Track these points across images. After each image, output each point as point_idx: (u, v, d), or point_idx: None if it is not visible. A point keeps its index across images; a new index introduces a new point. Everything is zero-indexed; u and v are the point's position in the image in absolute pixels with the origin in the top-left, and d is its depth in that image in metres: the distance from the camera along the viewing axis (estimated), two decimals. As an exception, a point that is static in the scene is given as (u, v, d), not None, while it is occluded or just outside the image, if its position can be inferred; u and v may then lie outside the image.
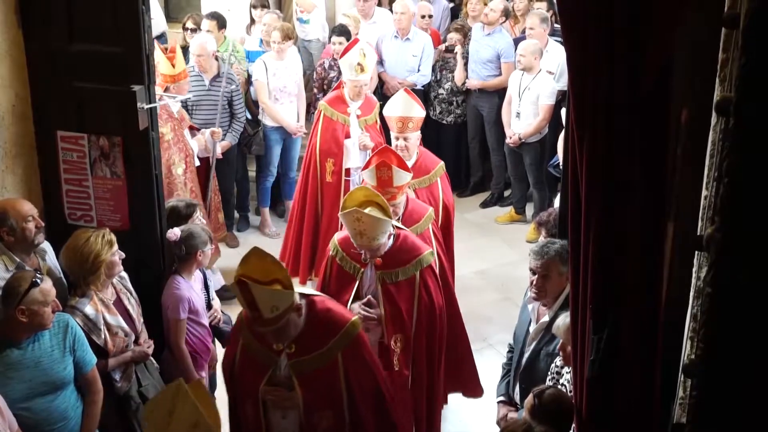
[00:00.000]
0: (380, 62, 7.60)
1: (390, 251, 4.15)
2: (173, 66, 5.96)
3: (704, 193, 2.21)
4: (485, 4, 7.75)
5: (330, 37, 7.59)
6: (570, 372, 3.16)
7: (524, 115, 7.19)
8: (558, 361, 3.46)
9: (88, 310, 3.76)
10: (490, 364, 5.19)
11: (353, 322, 3.54)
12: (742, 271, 1.91)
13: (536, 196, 7.52)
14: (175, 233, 4.22)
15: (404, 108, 5.29)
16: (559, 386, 3.30)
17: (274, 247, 6.61)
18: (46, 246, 3.99)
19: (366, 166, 4.64)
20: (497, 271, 6.80)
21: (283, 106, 7.09)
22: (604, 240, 2.23)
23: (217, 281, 5.20)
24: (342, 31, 7.25)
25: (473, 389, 4.81)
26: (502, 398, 3.99)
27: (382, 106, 5.79)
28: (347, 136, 6.09)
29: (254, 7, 7.78)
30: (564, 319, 3.16)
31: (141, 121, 3.97)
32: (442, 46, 7.90)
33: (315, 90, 7.47)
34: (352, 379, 3.49)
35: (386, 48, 7.67)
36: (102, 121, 4.06)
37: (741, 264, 1.90)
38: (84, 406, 3.69)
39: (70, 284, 3.94)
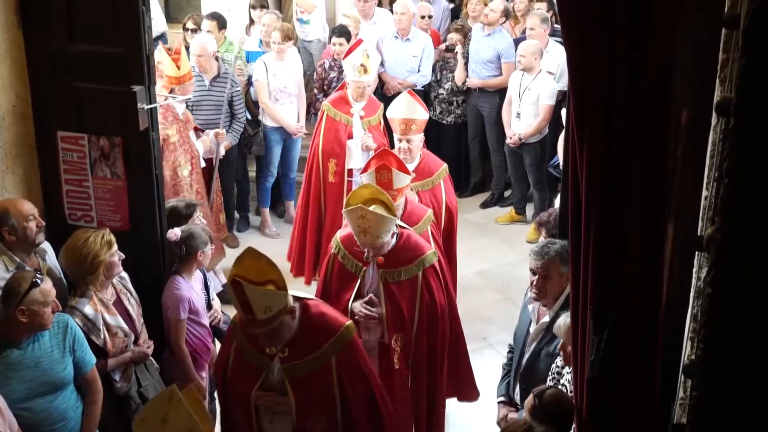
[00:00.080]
0: (380, 63, 7.59)
1: (393, 250, 4.14)
2: (178, 68, 5.91)
3: (704, 193, 2.21)
4: (485, 5, 7.75)
5: (330, 38, 7.59)
6: (570, 372, 3.16)
7: (524, 115, 7.19)
8: (559, 361, 3.45)
9: (88, 310, 3.77)
10: (490, 364, 5.19)
11: (347, 326, 3.52)
12: (742, 271, 1.91)
13: (536, 197, 7.52)
14: (175, 233, 4.22)
15: (407, 110, 5.29)
16: (560, 386, 3.30)
17: (274, 247, 6.63)
18: (46, 246, 3.99)
19: (365, 169, 4.63)
20: (497, 271, 6.80)
21: (283, 106, 7.09)
22: (604, 240, 2.23)
23: (218, 283, 5.20)
24: (342, 31, 7.25)
25: (469, 394, 4.79)
26: (502, 399, 3.98)
27: (386, 108, 5.80)
28: (350, 136, 6.10)
29: (253, 7, 7.78)
30: (565, 319, 3.15)
31: (141, 122, 3.97)
32: (443, 46, 7.90)
33: (315, 90, 7.47)
34: (345, 384, 3.46)
35: (386, 48, 7.67)
36: (102, 122, 4.06)
37: (741, 265, 1.90)
38: (84, 406, 3.69)
39: (70, 284, 3.94)
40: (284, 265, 6.05)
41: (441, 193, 5.19)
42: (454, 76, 7.78)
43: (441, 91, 7.91)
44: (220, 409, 3.72)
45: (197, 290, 4.36)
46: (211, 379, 4.57)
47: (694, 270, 2.31)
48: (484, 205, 8.05)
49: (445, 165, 5.38)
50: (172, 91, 5.86)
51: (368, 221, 3.93)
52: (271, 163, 7.32)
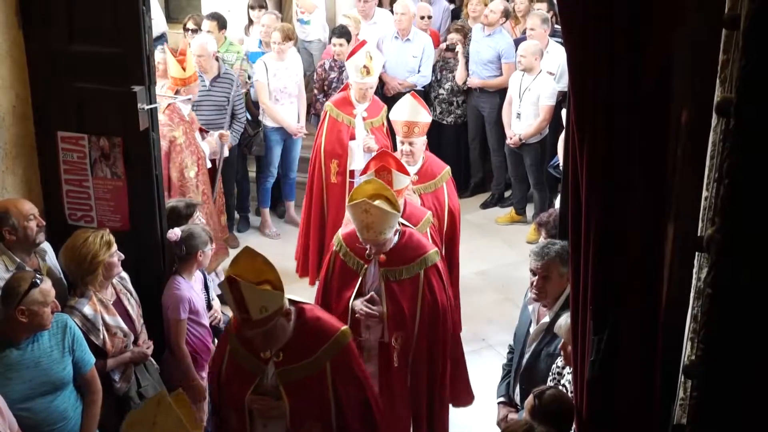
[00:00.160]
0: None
1: (395, 248, 4.12)
2: (183, 69, 5.89)
3: (704, 194, 2.20)
4: (486, 5, 7.75)
5: (330, 38, 7.59)
6: (571, 372, 3.16)
7: (525, 115, 7.19)
8: (559, 361, 3.45)
9: (87, 310, 3.77)
10: (489, 365, 5.19)
11: (343, 331, 3.50)
12: (742, 272, 1.91)
13: (536, 197, 7.52)
14: (175, 233, 4.22)
15: (410, 113, 5.28)
16: (561, 387, 3.30)
17: (274, 247, 6.65)
18: (46, 246, 3.99)
19: (365, 171, 4.62)
20: (498, 271, 6.80)
21: (283, 106, 7.09)
22: (604, 240, 2.23)
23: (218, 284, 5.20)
24: (342, 32, 7.25)
25: (463, 399, 4.77)
26: (502, 399, 3.98)
27: (389, 109, 5.79)
28: (352, 137, 6.10)
29: (252, 7, 7.78)
30: (566, 319, 3.15)
31: (141, 122, 3.98)
32: (443, 46, 7.90)
33: (315, 91, 7.47)
34: (340, 389, 3.44)
35: (386, 49, 7.66)
36: (102, 122, 4.07)
37: (741, 265, 1.90)
38: (83, 406, 3.69)
39: (69, 284, 3.94)
40: (285, 265, 6.04)
41: (444, 195, 5.18)
42: (454, 76, 7.78)
43: (441, 91, 7.91)
44: (213, 413, 3.68)
45: (197, 290, 4.36)
46: (211, 380, 4.58)
47: (694, 270, 2.31)
48: (485, 205, 8.05)
49: (448, 168, 5.37)
50: (177, 92, 5.85)
51: (372, 216, 3.91)
52: (271, 164, 7.32)
